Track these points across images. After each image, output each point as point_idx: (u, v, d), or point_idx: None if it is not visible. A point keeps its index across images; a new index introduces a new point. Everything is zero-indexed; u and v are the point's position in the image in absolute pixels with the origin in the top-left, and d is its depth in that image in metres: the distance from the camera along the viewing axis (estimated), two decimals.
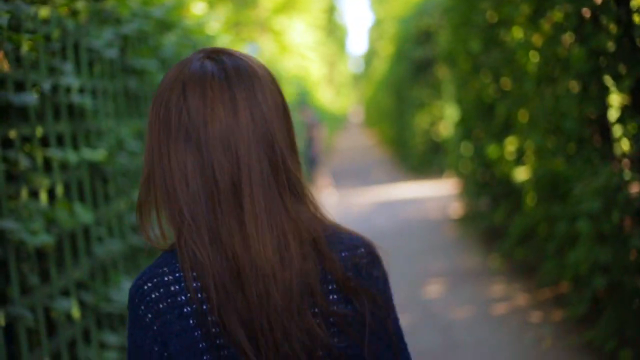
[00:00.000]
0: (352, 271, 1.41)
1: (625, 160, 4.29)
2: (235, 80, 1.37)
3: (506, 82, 6.64)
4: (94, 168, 3.62)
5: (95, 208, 3.73)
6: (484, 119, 7.50)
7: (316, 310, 1.37)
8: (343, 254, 1.42)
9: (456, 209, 10.99)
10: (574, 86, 4.68)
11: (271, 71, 1.47)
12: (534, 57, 5.38)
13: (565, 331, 5.12)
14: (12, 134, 2.82)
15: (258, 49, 13.63)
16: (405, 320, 6.00)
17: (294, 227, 1.37)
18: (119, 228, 4.02)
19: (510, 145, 6.55)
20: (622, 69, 4.07)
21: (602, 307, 4.67)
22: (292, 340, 1.33)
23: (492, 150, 6.92)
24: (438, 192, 13.37)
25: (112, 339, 3.43)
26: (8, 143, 2.83)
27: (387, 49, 26.12)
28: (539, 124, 5.32)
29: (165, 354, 1.34)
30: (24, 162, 2.74)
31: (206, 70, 1.38)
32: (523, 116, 6.04)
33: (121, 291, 3.58)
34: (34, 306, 2.80)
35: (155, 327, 1.34)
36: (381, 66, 29.36)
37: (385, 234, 9.77)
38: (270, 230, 1.35)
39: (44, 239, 2.67)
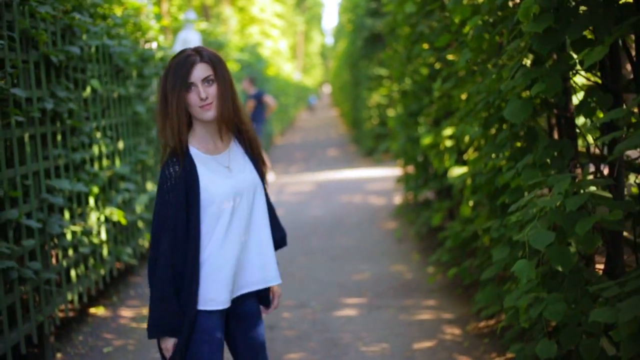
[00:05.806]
0: None
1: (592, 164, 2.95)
2: None
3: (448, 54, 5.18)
4: None
5: None
6: (421, 100, 6.08)
7: None
8: None
9: (397, 201, 9.66)
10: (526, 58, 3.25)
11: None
12: (472, 21, 3.90)
13: None
14: None
15: (194, 16, 12.25)
16: (302, 353, 4.64)
17: None
18: None
19: (447, 134, 5.11)
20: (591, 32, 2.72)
21: None
22: None
23: (426, 138, 5.46)
24: (387, 181, 12.00)
25: None
26: None
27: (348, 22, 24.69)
28: (478, 110, 3.87)
29: None
30: None
31: None
32: (462, 98, 4.64)
33: None
34: None
35: None
36: (345, 40, 27.77)
37: (317, 228, 8.48)
38: None
39: None
